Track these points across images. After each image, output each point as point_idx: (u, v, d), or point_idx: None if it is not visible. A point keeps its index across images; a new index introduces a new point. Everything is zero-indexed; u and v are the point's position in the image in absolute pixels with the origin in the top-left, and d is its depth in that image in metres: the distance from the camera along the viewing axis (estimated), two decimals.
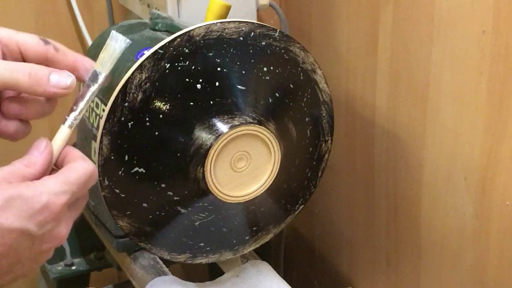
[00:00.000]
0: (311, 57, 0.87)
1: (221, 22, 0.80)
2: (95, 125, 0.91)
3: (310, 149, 0.91)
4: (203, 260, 0.90)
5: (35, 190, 0.53)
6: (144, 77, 0.77)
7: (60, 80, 0.58)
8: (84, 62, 0.61)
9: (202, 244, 0.88)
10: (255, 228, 0.91)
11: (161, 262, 0.98)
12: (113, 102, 0.76)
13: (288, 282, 0.95)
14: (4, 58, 0.59)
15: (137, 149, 0.78)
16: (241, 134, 0.80)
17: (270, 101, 0.84)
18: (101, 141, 0.77)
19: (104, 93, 0.89)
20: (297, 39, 0.86)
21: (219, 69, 0.80)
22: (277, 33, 0.83)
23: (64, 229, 0.56)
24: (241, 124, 0.79)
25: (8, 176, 0.54)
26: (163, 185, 0.81)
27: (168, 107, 0.78)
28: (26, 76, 0.57)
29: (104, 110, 0.78)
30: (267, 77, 0.83)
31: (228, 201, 0.83)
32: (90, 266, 1.18)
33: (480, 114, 0.87)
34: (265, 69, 0.83)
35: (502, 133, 0.84)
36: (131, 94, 0.77)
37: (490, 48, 0.83)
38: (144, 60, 0.77)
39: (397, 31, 0.99)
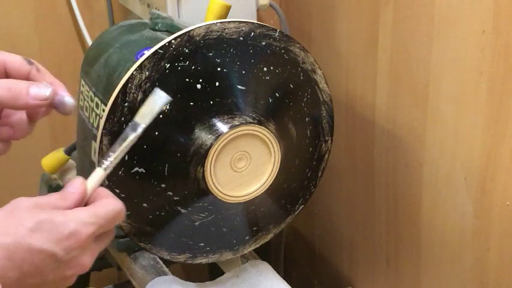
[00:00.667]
0: (311, 57, 0.87)
1: (221, 22, 0.80)
2: (95, 125, 0.91)
3: (310, 149, 0.91)
4: (203, 260, 0.90)
5: (64, 217, 0.57)
6: (144, 77, 0.77)
7: (39, 91, 0.60)
8: (59, 87, 0.63)
9: (202, 244, 0.88)
10: (255, 228, 0.91)
11: (161, 262, 0.98)
12: (113, 102, 0.76)
13: (288, 282, 0.95)
14: None
15: (137, 149, 0.78)
16: (241, 134, 0.80)
17: (270, 101, 0.84)
18: (101, 141, 0.77)
19: (104, 93, 0.89)
20: (297, 39, 0.86)
21: (219, 69, 0.80)
22: (277, 33, 0.83)
23: (88, 258, 0.58)
24: (241, 124, 0.79)
25: (41, 204, 0.57)
26: (163, 185, 0.81)
27: (168, 107, 0.78)
28: (5, 90, 0.59)
29: (104, 110, 0.78)
30: (267, 77, 0.83)
31: (228, 201, 0.83)
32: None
33: (480, 114, 0.87)
34: (265, 69, 0.83)
35: (502, 133, 0.84)
36: (131, 94, 0.77)
37: (490, 48, 0.83)
38: (144, 60, 0.77)
39: (397, 31, 0.99)
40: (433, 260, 1.02)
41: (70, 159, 1.11)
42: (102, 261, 1.17)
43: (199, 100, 0.79)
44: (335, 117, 0.91)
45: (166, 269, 0.97)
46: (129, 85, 0.76)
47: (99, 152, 0.77)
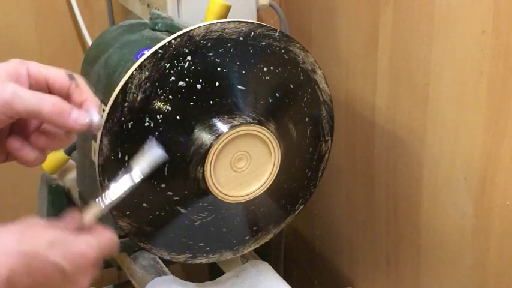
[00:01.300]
0: (311, 57, 0.87)
1: (221, 22, 0.80)
2: None
3: (310, 149, 0.91)
4: (203, 260, 0.90)
5: (76, 238, 0.62)
6: (144, 77, 0.77)
7: (80, 117, 0.64)
8: (91, 105, 0.66)
9: (202, 244, 0.88)
10: (255, 228, 0.91)
11: (161, 262, 0.98)
12: (113, 102, 0.76)
13: (288, 282, 0.95)
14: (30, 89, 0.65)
15: (137, 149, 0.78)
16: (241, 134, 0.80)
17: (270, 101, 0.84)
18: (101, 141, 0.77)
19: (104, 93, 0.89)
20: (297, 39, 0.86)
21: (219, 69, 0.80)
22: (277, 33, 0.83)
23: (87, 280, 0.63)
24: (241, 124, 0.79)
25: (52, 224, 0.63)
26: (163, 185, 0.81)
27: (168, 107, 0.78)
28: (49, 105, 0.62)
29: (104, 110, 0.78)
30: (267, 77, 0.83)
31: (228, 201, 0.83)
32: None
33: (480, 114, 0.87)
34: (265, 69, 0.83)
35: (502, 133, 0.84)
36: (131, 94, 0.77)
37: (490, 48, 0.83)
38: (144, 60, 0.77)
39: (397, 31, 0.99)
40: (433, 260, 1.02)
41: (70, 159, 1.11)
42: (102, 261, 1.17)
43: (199, 100, 0.79)
44: (335, 117, 0.91)
45: (166, 269, 0.97)
46: (129, 85, 0.76)
47: (99, 152, 0.77)
